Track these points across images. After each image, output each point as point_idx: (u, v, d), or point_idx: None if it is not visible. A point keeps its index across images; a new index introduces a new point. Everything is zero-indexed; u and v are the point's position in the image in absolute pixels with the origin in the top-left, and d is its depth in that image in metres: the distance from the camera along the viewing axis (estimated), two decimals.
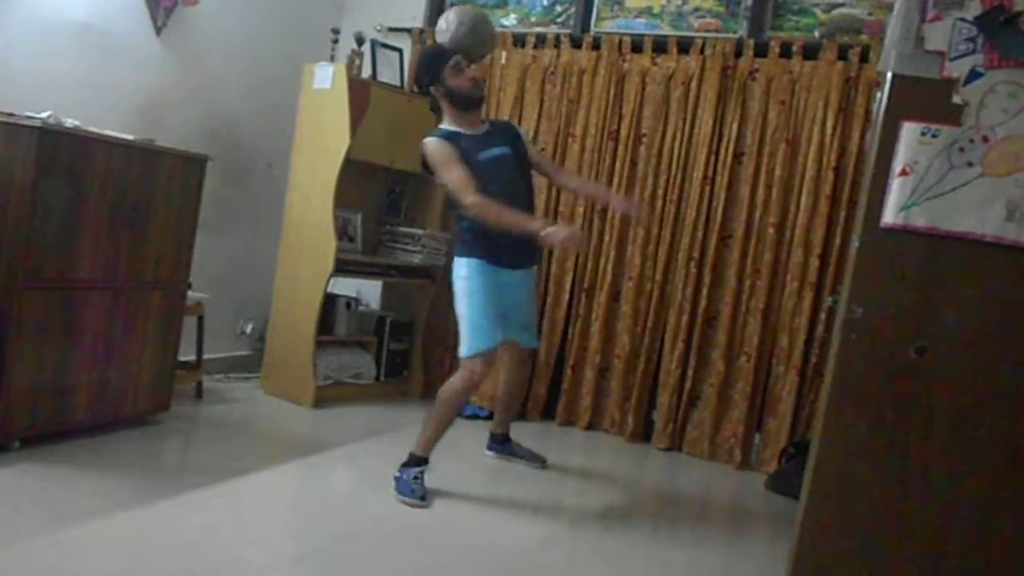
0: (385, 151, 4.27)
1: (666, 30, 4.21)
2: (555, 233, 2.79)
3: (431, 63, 3.08)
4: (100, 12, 3.48)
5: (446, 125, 3.07)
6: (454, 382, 2.99)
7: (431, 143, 2.97)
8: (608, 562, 2.58)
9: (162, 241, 3.21)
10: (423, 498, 2.83)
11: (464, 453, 3.40)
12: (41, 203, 2.71)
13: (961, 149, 1.85)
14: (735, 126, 3.96)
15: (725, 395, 3.98)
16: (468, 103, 3.06)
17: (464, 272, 3.02)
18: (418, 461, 2.96)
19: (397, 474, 2.92)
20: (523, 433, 4.08)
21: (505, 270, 3.05)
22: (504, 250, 3.00)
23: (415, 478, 2.89)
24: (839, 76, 3.76)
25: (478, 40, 3.24)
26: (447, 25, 3.24)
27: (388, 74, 4.41)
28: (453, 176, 2.90)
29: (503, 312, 3.05)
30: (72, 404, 2.95)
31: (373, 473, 3.08)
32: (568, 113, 4.29)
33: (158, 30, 3.74)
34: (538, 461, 3.48)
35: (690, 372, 4.02)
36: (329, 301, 4.14)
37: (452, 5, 3.23)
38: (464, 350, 2.99)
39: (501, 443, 3.53)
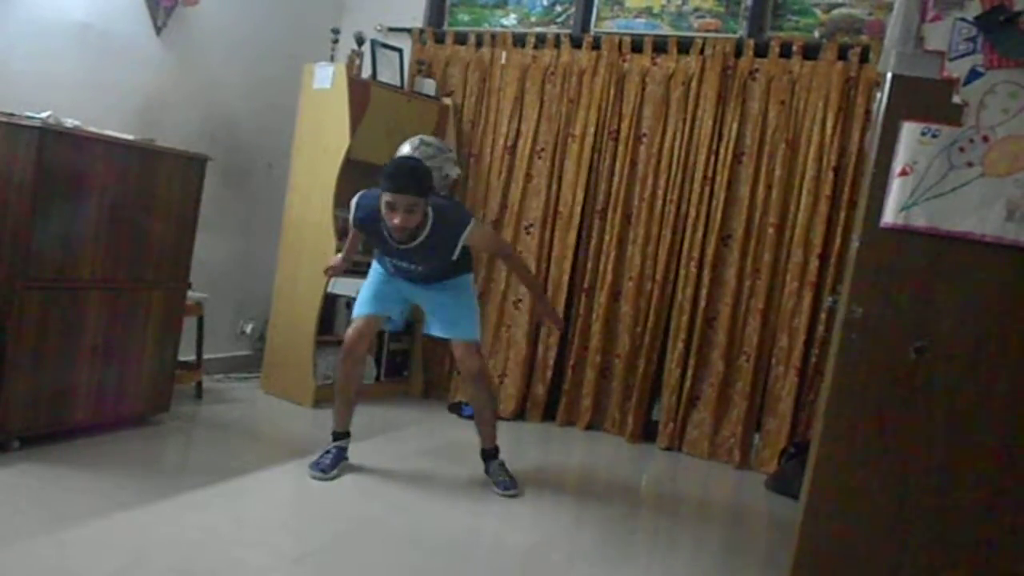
0: (385, 151, 4.23)
1: (666, 30, 4.22)
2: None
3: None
4: (100, 12, 3.48)
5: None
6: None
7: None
8: (608, 562, 2.58)
9: (162, 241, 3.21)
10: (323, 471, 2.98)
11: (464, 453, 3.40)
12: (41, 203, 2.71)
13: (961, 149, 1.85)
14: (735, 126, 3.96)
15: (725, 395, 3.98)
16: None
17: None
18: (335, 436, 3.15)
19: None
20: (523, 433, 4.09)
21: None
22: None
23: (325, 453, 3.06)
24: (839, 76, 3.76)
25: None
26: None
27: (388, 74, 4.41)
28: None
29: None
30: (72, 404, 2.95)
31: (373, 473, 3.08)
32: (568, 113, 4.29)
33: (158, 30, 3.74)
34: (513, 490, 3.07)
35: (690, 372, 4.02)
36: (329, 301, 4.14)
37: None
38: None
39: (484, 460, 3.20)
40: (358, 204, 2.98)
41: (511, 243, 4.36)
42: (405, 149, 3.15)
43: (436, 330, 3.20)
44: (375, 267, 3.20)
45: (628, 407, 4.14)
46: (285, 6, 4.45)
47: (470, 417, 4.14)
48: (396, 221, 2.70)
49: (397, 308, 3.23)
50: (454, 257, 2.91)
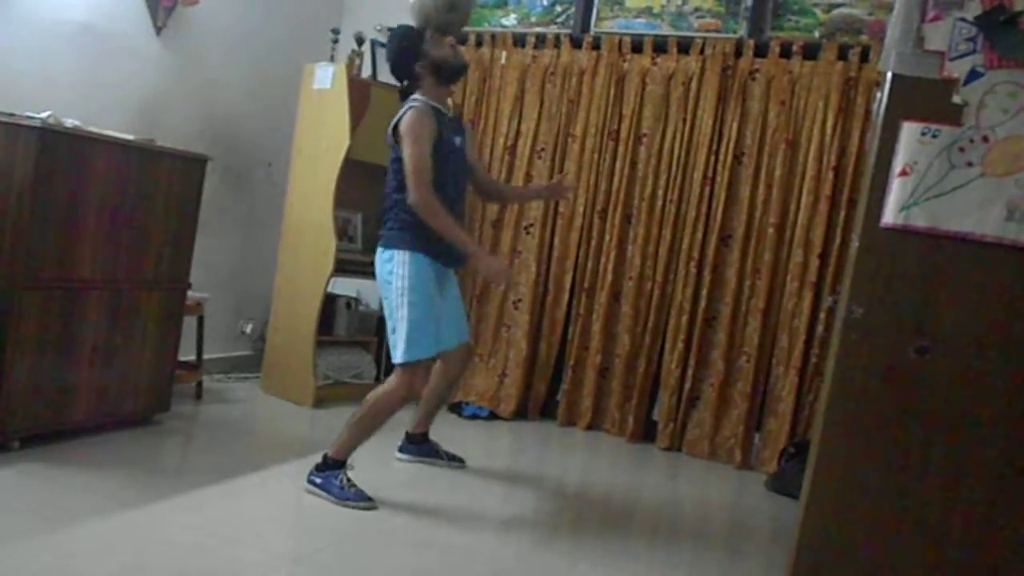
0: (385, 151, 4.23)
1: (666, 30, 4.21)
2: (488, 263, 2.75)
3: (408, 42, 2.91)
4: (100, 12, 3.48)
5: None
6: (391, 393, 2.75)
7: (419, 110, 2.77)
8: (608, 562, 2.58)
9: (162, 241, 3.21)
10: (370, 499, 2.73)
11: (464, 453, 3.39)
12: (41, 203, 2.71)
13: (961, 149, 1.85)
14: (735, 126, 3.96)
15: (725, 395, 3.98)
16: (455, 72, 2.93)
17: (405, 268, 2.79)
18: (337, 465, 2.80)
19: (317, 479, 2.78)
20: (523, 433, 4.09)
21: (444, 267, 2.93)
22: (449, 246, 2.80)
23: (348, 482, 2.75)
24: (839, 76, 3.76)
25: (458, 10, 2.99)
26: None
27: (388, 74, 4.40)
28: (418, 154, 2.71)
29: (441, 314, 2.90)
30: (72, 404, 2.95)
31: (372, 473, 3.08)
32: (568, 113, 4.29)
33: (158, 30, 3.74)
34: (457, 461, 3.29)
35: (690, 372, 4.02)
36: (329, 301, 4.14)
37: None
38: (403, 355, 2.75)
39: (419, 443, 3.29)
40: (430, 112, 2.78)
41: (511, 243, 4.36)
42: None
43: (454, 338, 3.03)
44: (413, 285, 2.80)
45: (628, 407, 4.14)
46: (285, 6, 4.45)
47: (471, 417, 4.17)
48: (451, 41, 2.86)
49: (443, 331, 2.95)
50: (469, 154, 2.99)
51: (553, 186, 3.40)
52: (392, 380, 2.80)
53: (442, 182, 2.80)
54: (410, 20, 2.97)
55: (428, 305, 2.81)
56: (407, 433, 3.33)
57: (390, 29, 3.14)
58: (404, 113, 2.82)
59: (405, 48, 2.92)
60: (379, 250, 2.88)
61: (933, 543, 1.90)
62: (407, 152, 2.76)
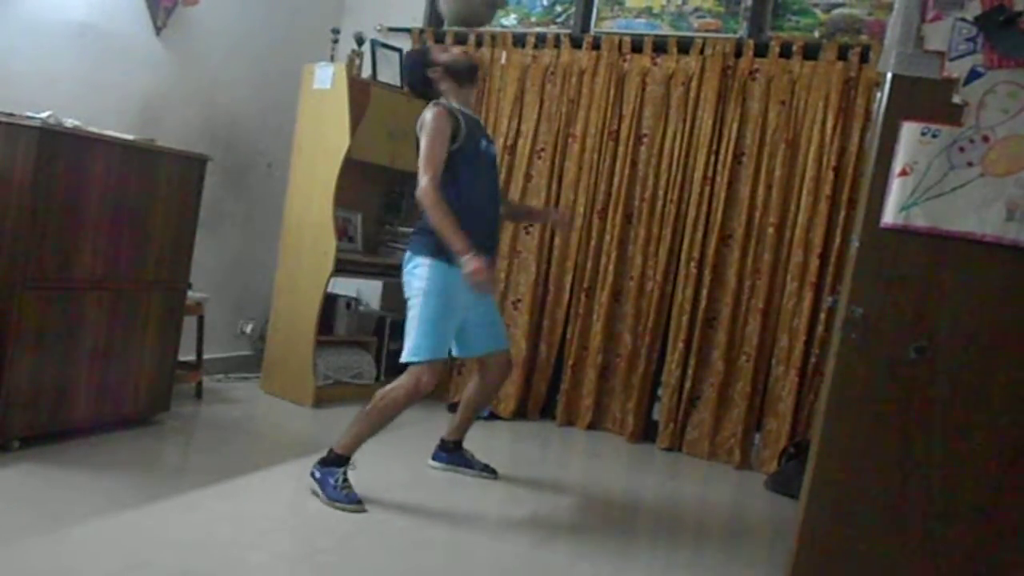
0: (385, 151, 4.27)
1: (666, 30, 4.22)
2: (474, 269, 2.67)
3: (415, 56, 3.09)
4: (100, 12, 3.48)
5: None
6: (398, 390, 2.77)
7: (436, 108, 2.80)
8: (609, 562, 2.58)
9: (162, 241, 3.21)
10: (359, 502, 2.70)
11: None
12: (41, 203, 2.71)
13: (961, 149, 1.85)
14: (735, 126, 3.97)
15: (725, 395, 3.98)
16: (468, 72, 2.95)
17: (427, 271, 2.80)
18: (340, 461, 2.77)
19: (317, 474, 2.77)
20: (523, 433, 4.09)
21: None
22: (479, 247, 2.77)
23: (344, 482, 2.73)
24: (839, 76, 3.76)
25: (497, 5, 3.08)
26: None
27: (388, 74, 4.41)
28: (430, 145, 2.73)
29: (462, 321, 2.90)
30: (72, 404, 2.95)
31: (373, 473, 3.08)
32: (568, 113, 4.29)
33: (158, 30, 3.74)
34: (489, 472, 3.26)
35: (690, 372, 4.02)
36: (329, 301, 4.14)
37: None
38: (410, 353, 2.78)
39: (451, 451, 3.29)
40: (451, 114, 2.79)
41: (510, 242, 4.36)
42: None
43: (484, 344, 3.03)
44: (432, 289, 2.81)
45: (628, 407, 4.14)
46: (285, 6, 4.45)
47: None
48: (455, 48, 3.00)
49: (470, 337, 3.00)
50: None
51: (557, 218, 3.38)
52: (401, 378, 2.81)
53: (471, 184, 2.81)
54: (444, 17, 3.09)
55: (444, 308, 2.81)
56: (441, 440, 3.31)
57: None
58: (425, 113, 2.84)
59: (414, 62, 3.05)
60: (407, 254, 2.91)
61: (933, 543, 1.90)
62: (421, 144, 2.78)
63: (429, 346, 2.79)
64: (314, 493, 2.77)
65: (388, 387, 2.82)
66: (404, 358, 2.81)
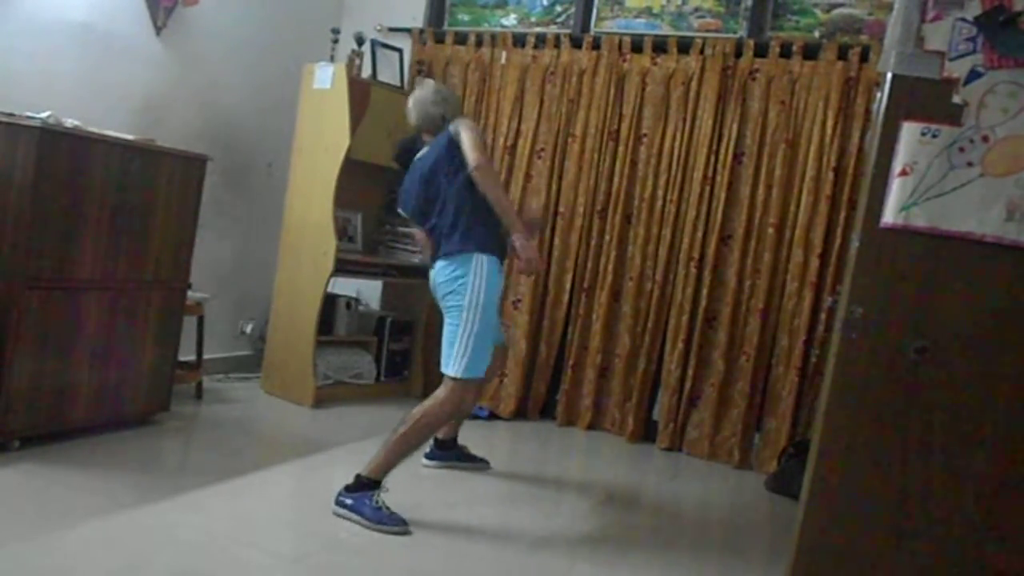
0: (385, 151, 4.25)
1: (666, 30, 4.22)
2: (531, 250, 2.67)
3: (407, 142, 3.06)
4: (100, 12, 3.48)
5: None
6: (442, 407, 2.67)
7: (470, 120, 2.80)
8: (608, 562, 2.58)
9: (162, 241, 3.21)
10: (405, 523, 2.57)
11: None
12: (41, 203, 2.71)
13: (961, 149, 1.85)
14: (735, 126, 3.96)
15: (725, 395, 3.98)
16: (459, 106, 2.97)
17: (482, 274, 2.68)
18: (372, 485, 2.62)
19: (348, 501, 2.61)
20: (523, 433, 4.09)
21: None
22: (504, 244, 2.78)
23: (382, 504, 2.60)
24: (839, 76, 3.76)
25: (449, 102, 2.97)
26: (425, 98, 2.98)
27: (388, 74, 4.41)
28: (476, 135, 2.69)
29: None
30: (72, 404, 2.95)
31: None
32: (568, 113, 4.29)
33: (158, 30, 3.74)
34: (482, 463, 3.32)
35: (690, 372, 4.02)
36: (329, 301, 4.14)
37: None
38: (464, 370, 2.66)
39: (447, 449, 3.29)
40: (469, 120, 2.78)
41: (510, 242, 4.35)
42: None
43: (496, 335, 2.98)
44: (490, 297, 2.72)
45: (628, 407, 4.14)
46: (285, 6, 4.45)
47: (471, 417, 4.15)
48: None
49: None
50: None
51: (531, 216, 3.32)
52: (442, 394, 2.69)
53: (488, 206, 2.71)
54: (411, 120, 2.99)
55: (492, 318, 2.75)
56: (436, 439, 3.24)
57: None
58: (452, 129, 2.76)
59: (408, 142, 3.03)
60: (443, 263, 2.76)
61: (933, 544, 1.90)
62: (465, 138, 2.68)
63: (482, 361, 2.72)
64: (343, 517, 2.62)
65: (427, 405, 2.70)
66: (458, 374, 2.67)
